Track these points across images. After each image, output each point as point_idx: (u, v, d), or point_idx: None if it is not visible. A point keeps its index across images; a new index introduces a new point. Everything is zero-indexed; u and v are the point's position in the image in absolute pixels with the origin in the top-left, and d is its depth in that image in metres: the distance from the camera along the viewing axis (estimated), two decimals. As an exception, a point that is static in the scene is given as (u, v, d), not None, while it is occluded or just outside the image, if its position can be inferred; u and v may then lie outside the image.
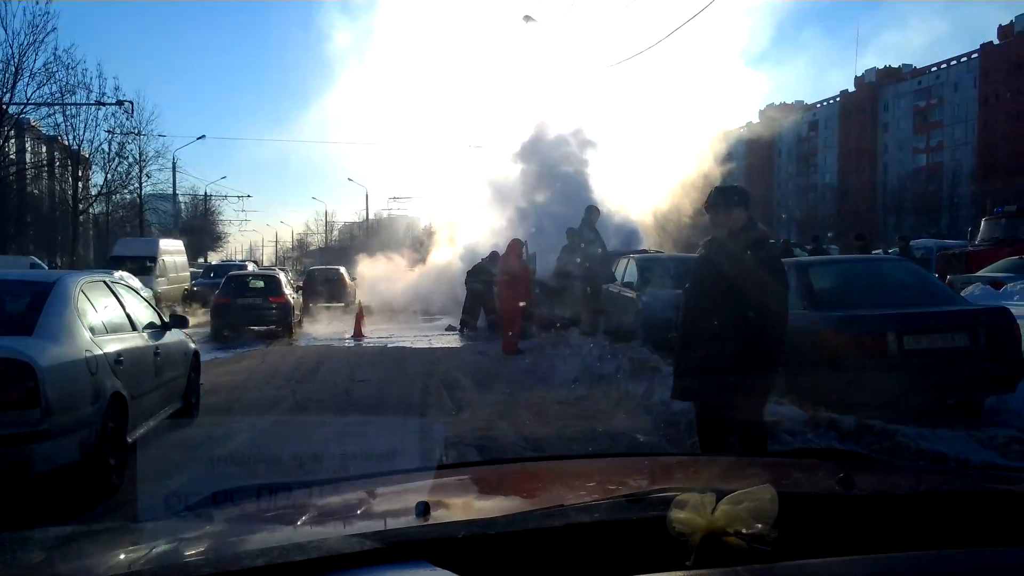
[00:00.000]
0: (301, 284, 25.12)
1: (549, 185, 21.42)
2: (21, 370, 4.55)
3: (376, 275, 27.45)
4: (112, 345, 5.60)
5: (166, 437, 6.59)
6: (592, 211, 12.29)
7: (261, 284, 18.23)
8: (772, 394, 4.78)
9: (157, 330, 6.86)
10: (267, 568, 1.10)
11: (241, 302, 17.18)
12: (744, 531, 1.11)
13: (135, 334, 6.32)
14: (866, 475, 1.81)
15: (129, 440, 5.61)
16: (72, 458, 4.82)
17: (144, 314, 6.88)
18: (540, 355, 11.93)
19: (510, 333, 12.87)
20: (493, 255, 16.92)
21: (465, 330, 16.83)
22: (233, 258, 67.17)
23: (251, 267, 29.53)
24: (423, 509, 1.32)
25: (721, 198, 4.54)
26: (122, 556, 1.43)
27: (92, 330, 5.47)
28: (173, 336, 7.18)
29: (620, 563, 1.10)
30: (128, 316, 6.38)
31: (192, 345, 7.98)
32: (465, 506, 1.66)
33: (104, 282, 6.50)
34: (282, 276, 20.12)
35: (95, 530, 1.76)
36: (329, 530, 1.47)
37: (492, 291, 16.48)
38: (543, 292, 15.11)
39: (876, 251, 20.63)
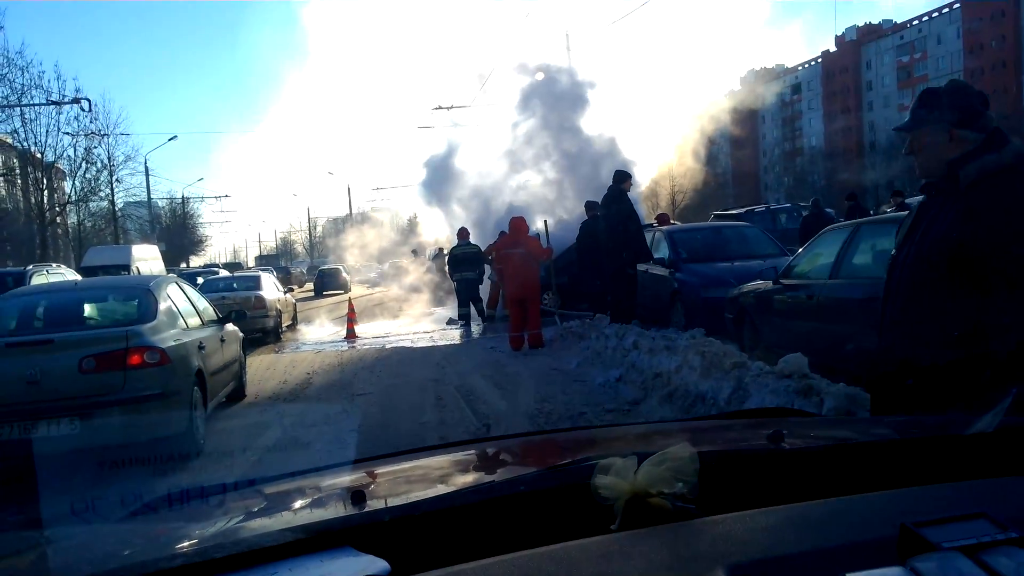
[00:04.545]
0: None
1: (555, 144, 19.18)
2: (261, 299, 15.95)
3: (363, 267, 26.02)
4: (277, 293, 17.53)
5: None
6: (623, 176, 10.33)
7: (333, 272, 40.27)
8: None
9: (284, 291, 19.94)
10: (187, 568, 1.01)
11: (325, 279, 38.94)
12: (666, 491, 1.06)
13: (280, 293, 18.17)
14: (800, 430, 1.82)
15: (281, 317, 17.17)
16: (274, 321, 16.31)
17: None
18: (566, 349, 10.23)
19: (523, 326, 11.18)
20: (461, 231, 15.91)
21: (462, 323, 15.22)
22: (217, 261, 65.34)
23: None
24: (357, 499, 1.25)
25: (924, 112, 2.53)
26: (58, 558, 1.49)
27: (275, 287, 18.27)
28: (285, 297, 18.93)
29: (548, 532, 1.02)
30: (276, 285, 18.40)
31: (289, 297, 20.00)
32: (400, 493, 1.51)
33: (271, 273, 22.82)
34: (341, 267, 42.06)
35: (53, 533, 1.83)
36: (264, 524, 1.43)
37: (482, 278, 15.29)
38: (560, 273, 13.41)
39: (873, 210, 19.06)
